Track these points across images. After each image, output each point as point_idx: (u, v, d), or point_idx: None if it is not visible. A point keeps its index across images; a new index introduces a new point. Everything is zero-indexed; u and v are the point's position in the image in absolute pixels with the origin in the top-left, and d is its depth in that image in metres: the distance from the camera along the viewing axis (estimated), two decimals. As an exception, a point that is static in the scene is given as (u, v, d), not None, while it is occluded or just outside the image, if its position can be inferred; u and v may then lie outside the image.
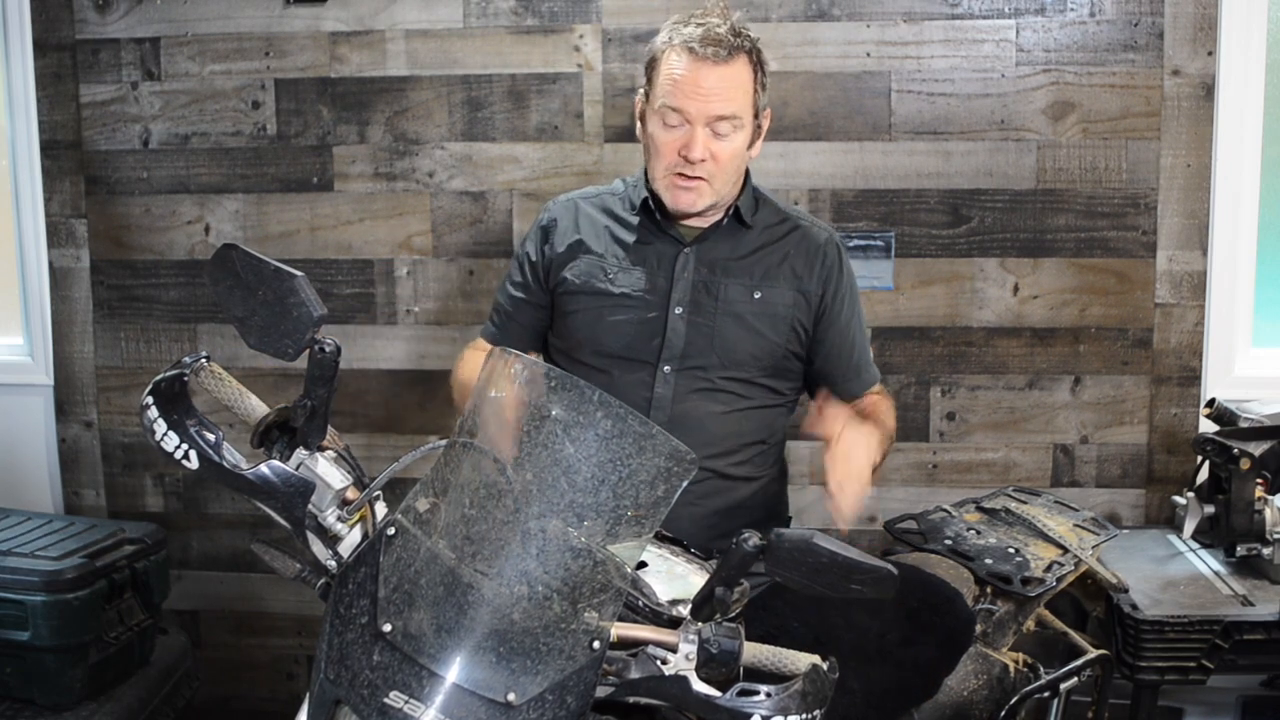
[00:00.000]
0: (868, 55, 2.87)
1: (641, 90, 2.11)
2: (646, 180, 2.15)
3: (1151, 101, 2.82)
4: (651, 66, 2.07)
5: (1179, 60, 2.81)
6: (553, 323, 2.21)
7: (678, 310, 2.10)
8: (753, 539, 1.24)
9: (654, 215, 2.14)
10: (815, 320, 2.16)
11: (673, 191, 2.06)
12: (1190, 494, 2.58)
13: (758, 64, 2.05)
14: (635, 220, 2.16)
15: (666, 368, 2.09)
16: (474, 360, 2.11)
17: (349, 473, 1.36)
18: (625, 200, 2.20)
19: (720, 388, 2.10)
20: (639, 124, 2.12)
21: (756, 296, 2.12)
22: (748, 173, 2.17)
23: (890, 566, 1.23)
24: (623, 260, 2.14)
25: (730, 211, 2.14)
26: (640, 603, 1.32)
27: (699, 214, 2.11)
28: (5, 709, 2.48)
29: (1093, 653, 2.16)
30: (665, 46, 2.04)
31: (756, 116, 2.08)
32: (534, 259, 2.21)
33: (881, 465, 2.06)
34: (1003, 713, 2.00)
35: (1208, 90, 2.81)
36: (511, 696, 1.20)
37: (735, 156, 2.05)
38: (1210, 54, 2.80)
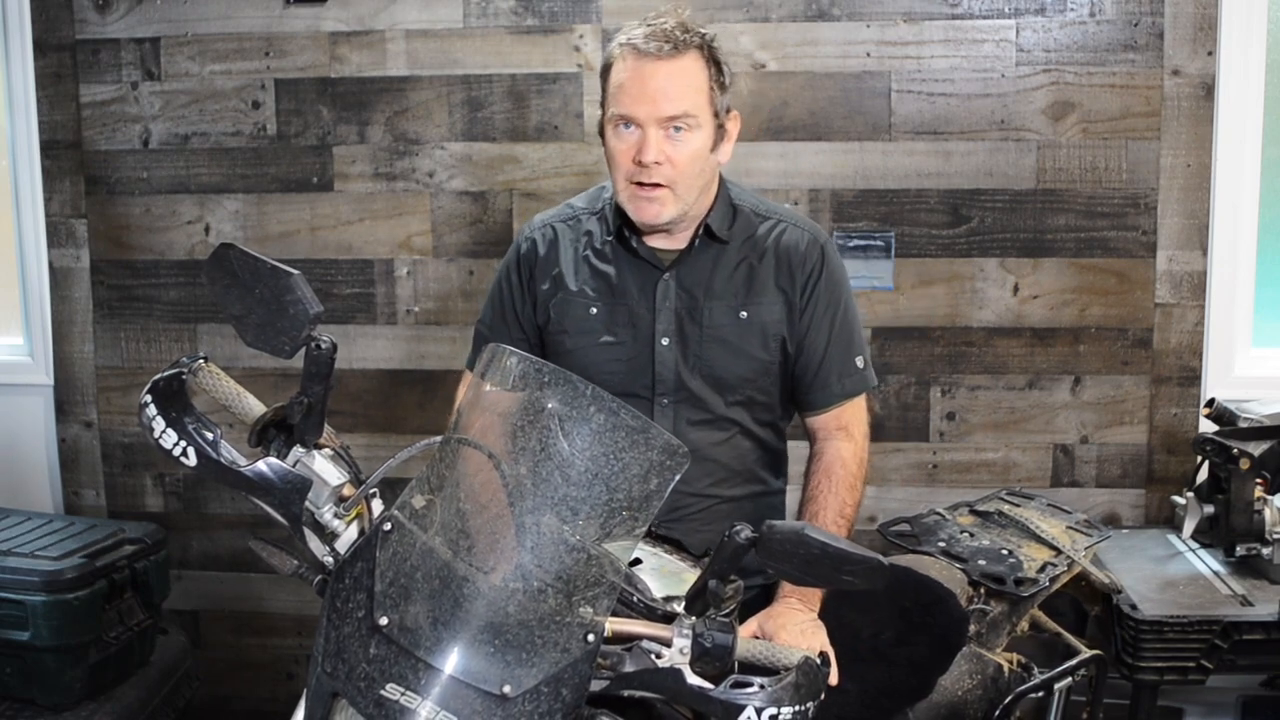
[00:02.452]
0: (868, 55, 2.88)
1: (599, 103, 2.01)
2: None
3: (1151, 101, 2.82)
4: (605, 75, 1.96)
5: (1179, 60, 2.81)
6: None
7: (664, 341, 2.01)
8: (744, 531, 1.25)
9: (629, 243, 2.03)
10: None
11: (635, 203, 1.94)
12: (1190, 494, 2.58)
13: (711, 60, 1.93)
14: (611, 250, 2.05)
15: (664, 400, 2.02)
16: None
17: (346, 470, 1.37)
18: (601, 223, 2.08)
19: (719, 415, 2.03)
20: (601, 139, 2.00)
21: (742, 316, 2.02)
22: (722, 182, 2.06)
23: (880, 557, 1.23)
24: (604, 294, 2.05)
25: (699, 230, 2.02)
26: (634, 598, 1.33)
27: (669, 230, 2.00)
28: (5, 709, 2.48)
29: (1086, 653, 2.16)
30: (615, 51, 1.94)
31: (718, 117, 1.95)
32: (517, 292, 2.12)
33: (855, 517, 2.01)
34: (997, 712, 2.00)
35: (1208, 90, 2.81)
36: (507, 689, 1.20)
37: (695, 159, 1.92)
38: (1210, 54, 2.79)
